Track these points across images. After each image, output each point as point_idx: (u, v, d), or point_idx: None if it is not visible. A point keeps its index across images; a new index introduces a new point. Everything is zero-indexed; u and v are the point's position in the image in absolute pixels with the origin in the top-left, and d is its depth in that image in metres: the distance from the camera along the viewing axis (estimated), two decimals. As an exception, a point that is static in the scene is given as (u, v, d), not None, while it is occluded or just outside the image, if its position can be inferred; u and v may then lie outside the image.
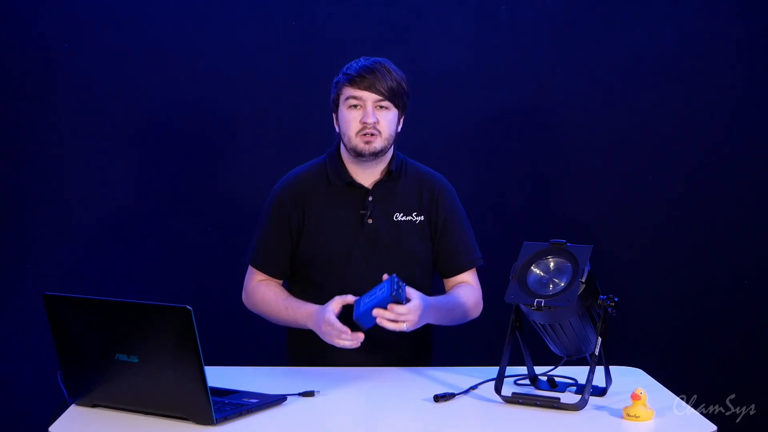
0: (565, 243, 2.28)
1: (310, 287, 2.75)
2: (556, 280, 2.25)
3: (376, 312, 2.42)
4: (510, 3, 3.68)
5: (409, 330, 2.48)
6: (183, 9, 3.64)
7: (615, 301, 2.27)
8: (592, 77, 3.72)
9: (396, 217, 2.75)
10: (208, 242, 3.69)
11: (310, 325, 2.62)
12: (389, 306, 2.42)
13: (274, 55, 3.67)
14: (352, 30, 3.67)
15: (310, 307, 2.63)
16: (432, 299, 2.63)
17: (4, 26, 3.61)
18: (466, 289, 2.78)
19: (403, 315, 2.43)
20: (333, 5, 3.67)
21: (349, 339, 2.47)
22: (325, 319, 2.50)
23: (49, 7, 3.61)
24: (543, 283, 2.26)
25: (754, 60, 3.71)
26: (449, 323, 2.76)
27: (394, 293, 2.41)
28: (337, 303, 2.53)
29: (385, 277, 2.49)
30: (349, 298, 2.53)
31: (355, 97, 2.67)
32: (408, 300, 2.47)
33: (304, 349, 2.78)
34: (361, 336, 2.48)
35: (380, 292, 2.45)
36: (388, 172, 2.76)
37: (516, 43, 3.70)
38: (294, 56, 3.67)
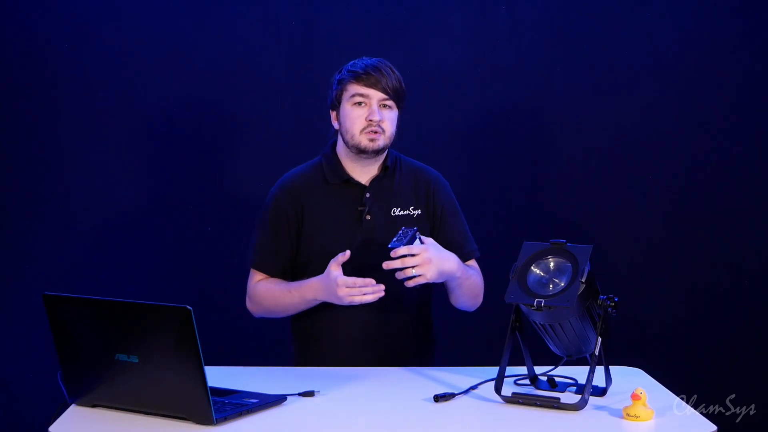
0: (565, 243, 2.28)
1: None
2: (556, 280, 2.25)
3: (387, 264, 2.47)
4: (510, 3, 3.68)
5: (428, 279, 2.49)
6: (183, 9, 3.64)
7: (615, 301, 2.27)
8: (592, 77, 3.72)
9: (394, 212, 2.77)
10: (208, 242, 3.69)
11: (322, 297, 2.62)
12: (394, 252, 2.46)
13: (274, 54, 3.67)
14: (352, 30, 3.67)
15: (314, 281, 2.64)
16: (455, 256, 2.62)
17: (4, 26, 3.62)
18: (478, 272, 2.81)
19: (404, 260, 2.45)
20: (333, 5, 3.67)
21: (371, 291, 2.48)
22: (339, 282, 2.50)
23: (49, 7, 3.61)
24: (543, 283, 2.26)
25: (754, 60, 3.71)
26: (465, 291, 2.74)
27: (389, 245, 2.46)
28: (336, 266, 2.53)
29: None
30: (340, 258, 2.54)
31: (361, 95, 2.68)
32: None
33: (311, 347, 2.79)
34: (381, 285, 2.49)
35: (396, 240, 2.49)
36: (384, 168, 2.77)
37: (516, 43, 3.70)
38: (294, 56, 3.67)
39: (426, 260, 2.48)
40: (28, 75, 3.63)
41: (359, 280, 2.49)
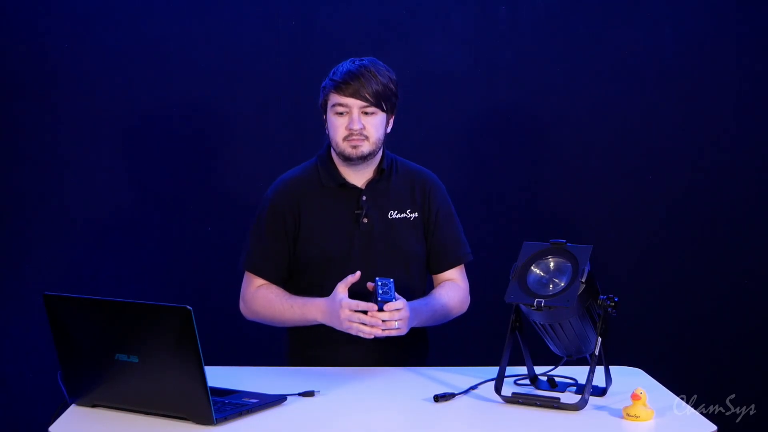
0: (565, 243, 2.28)
1: (308, 289, 2.74)
2: (556, 280, 2.25)
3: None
4: (510, 3, 3.68)
5: (403, 333, 2.52)
6: (183, 9, 3.64)
7: (615, 301, 2.27)
8: (592, 77, 3.71)
9: (391, 215, 2.76)
10: (208, 242, 3.69)
11: (322, 319, 2.61)
12: (377, 312, 2.47)
13: (274, 55, 3.67)
14: (352, 30, 3.67)
15: (318, 301, 2.63)
16: (414, 303, 2.64)
17: (4, 26, 3.62)
18: (450, 288, 2.79)
19: (393, 313, 2.46)
20: (333, 5, 3.67)
21: (369, 323, 2.47)
22: (342, 304, 2.50)
23: (49, 7, 3.61)
24: (543, 283, 2.26)
25: (754, 60, 3.71)
26: (433, 324, 2.78)
27: (379, 298, 2.46)
28: (343, 289, 2.53)
29: (370, 286, 2.53)
30: (350, 279, 2.54)
31: (341, 104, 2.66)
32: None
33: (304, 348, 2.78)
34: (379, 321, 2.47)
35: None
36: (380, 171, 2.77)
37: (516, 43, 3.70)
38: (294, 56, 3.67)
39: (405, 317, 2.51)
40: (28, 75, 3.63)
41: (362, 304, 2.48)
